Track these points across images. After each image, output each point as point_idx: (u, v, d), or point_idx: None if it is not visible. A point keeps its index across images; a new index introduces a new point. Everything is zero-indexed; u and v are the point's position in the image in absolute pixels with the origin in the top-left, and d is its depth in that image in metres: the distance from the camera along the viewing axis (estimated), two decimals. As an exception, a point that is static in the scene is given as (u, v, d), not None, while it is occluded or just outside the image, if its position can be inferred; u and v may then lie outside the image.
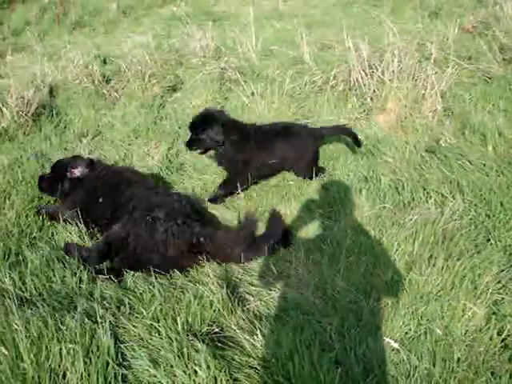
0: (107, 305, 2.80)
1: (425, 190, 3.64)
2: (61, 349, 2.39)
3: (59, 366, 2.37)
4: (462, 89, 5.15)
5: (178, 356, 2.40)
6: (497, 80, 5.19)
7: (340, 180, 3.98)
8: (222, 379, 2.29)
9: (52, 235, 3.60)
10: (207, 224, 3.35)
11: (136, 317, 2.71)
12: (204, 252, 3.16)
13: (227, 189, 3.94)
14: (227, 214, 3.84)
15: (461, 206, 3.37)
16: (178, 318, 2.63)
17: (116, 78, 6.43)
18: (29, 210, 3.80)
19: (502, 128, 4.22)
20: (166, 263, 3.11)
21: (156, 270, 3.05)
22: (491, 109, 4.66)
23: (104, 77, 6.40)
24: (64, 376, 2.35)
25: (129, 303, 2.82)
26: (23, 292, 2.95)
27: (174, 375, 2.33)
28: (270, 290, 2.94)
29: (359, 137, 4.31)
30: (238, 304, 2.80)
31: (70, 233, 3.51)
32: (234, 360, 2.43)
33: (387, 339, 2.52)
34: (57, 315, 2.61)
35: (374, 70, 5.04)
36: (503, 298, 2.67)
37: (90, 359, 2.37)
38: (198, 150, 4.02)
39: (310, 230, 3.51)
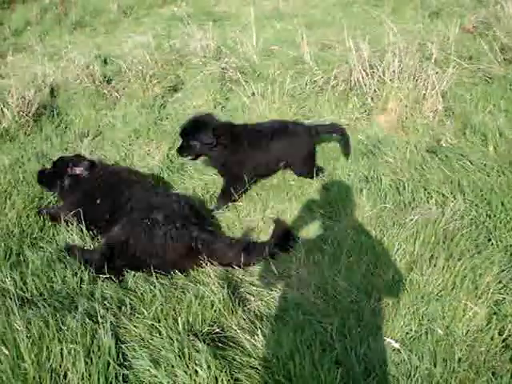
0: (108, 305, 2.81)
1: (426, 190, 3.64)
2: (62, 349, 2.40)
3: (60, 366, 2.38)
4: (463, 89, 5.15)
5: (179, 356, 2.40)
6: (497, 80, 5.18)
7: (341, 180, 3.98)
8: (222, 379, 2.29)
9: (53, 235, 3.60)
10: (206, 226, 3.34)
11: (137, 317, 2.71)
12: (203, 255, 3.14)
13: (226, 199, 3.88)
14: (228, 213, 3.85)
15: (462, 206, 3.37)
16: (179, 318, 2.63)
17: (117, 78, 6.44)
18: (30, 210, 3.80)
19: (502, 128, 4.22)
20: (166, 266, 3.11)
21: (157, 271, 3.06)
22: (492, 109, 4.66)
23: (105, 77, 6.41)
24: (65, 376, 2.35)
25: (130, 303, 2.82)
26: (24, 292, 2.96)
27: (175, 375, 2.34)
28: (271, 290, 2.94)
29: (351, 142, 4.28)
30: (239, 304, 2.80)
31: (72, 234, 3.50)
32: (234, 360, 2.43)
33: (388, 339, 2.52)
34: (58, 315, 2.62)
35: (375, 70, 5.04)
36: (504, 298, 2.67)
37: (91, 359, 2.38)
38: (189, 157, 3.97)
39: (311, 230, 3.51)
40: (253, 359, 2.43)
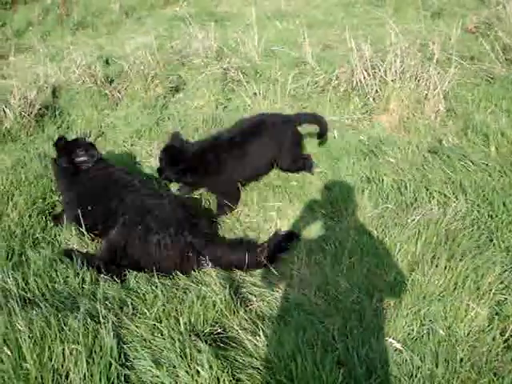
0: (110, 305, 2.81)
1: (427, 190, 3.64)
2: (64, 349, 2.41)
3: (62, 367, 2.38)
4: (465, 89, 5.14)
5: (181, 356, 2.40)
6: (499, 80, 5.17)
7: (342, 180, 3.98)
8: (224, 379, 2.29)
9: (55, 236, 3.61)
10: (200, 230, 3.28)
11: (139, 317, 2.71)
12: (198, 262, 3.13)
13: (225, 210, 3.81)
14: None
15: (463, 207, 3.37)
16: (181, 319, 2.64)
17: (119, 78, 6.43)
18: (32, 210, 3.80)
19: (504, 128, 4.21)
20: (164, 271, 3.10)
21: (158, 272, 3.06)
22: (494, 109, 4.65)
23: (107, 77, 6.41)
24: (67, 376, 2.36)
25: (131, 304, 2.83)
26: (26, 292, 2.97)
27: (177, 375, 2.34)
28: (273, 291, 2.95)
29: (328, 133, 4.30)
30: (241, 304, 2.81)
31: (71, 235, 3.51)
32: (236, 360, 2.44)
33: (390, 339, 2.52)
34: (60, 315, 2.62)
35: (377, 71, 5.03)
36: (506, 299, 2.67)
37: (93, 359, 2.38)
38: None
39: (313, 230, 3.51)
40: (254, 359, 2.43)
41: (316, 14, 9.04)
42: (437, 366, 2.36)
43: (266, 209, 3.81)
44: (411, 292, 2.75)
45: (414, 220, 3.19)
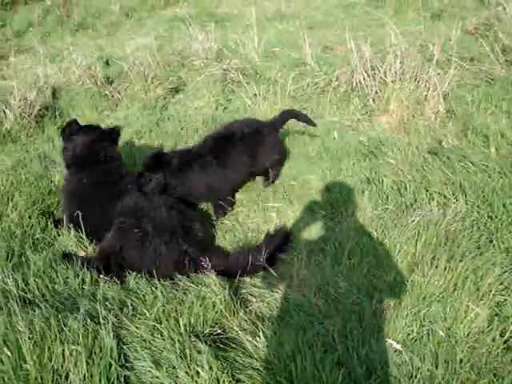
0: (110, 306, 2.81)
1: (427, 191, 3.64)
2: (63, 350, 2.41)
3: (62, 367, 2.38)
4: (465, 90, 5.14)
5: (181, 357, 2.40)
6: (499, 81, 5.17)
7: (342, 181, 3.98)
8: (224, 380, 2.29)
9: (55, 237, 3.61)
10: (195, 235, 3.26)
11: (138, 318, 2.71)
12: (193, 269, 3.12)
13: (222, 213, 3.81)
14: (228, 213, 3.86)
15: (463, 208, 3.37)
16: (181, 319, 2.64)
17: (119, 79, 6.45)
18: (32, 211, 3.80)
19: (504, 129, 4.21)
20: (161, 276, 3.08)
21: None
22: (494, 110, 4.65)
23: (107, 78, 6.43)
24: (67, 377, 2.36)
25: (131, 304, 2.83)
26: (26, 293, 2.96)
27: (177, 376, 2.34)
28: (272, 292, 2.95)
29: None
30: (241, 305, 2.81)
31: (70, 237, 3.51)
32: (236, 361, 2.43)
33: (390, 340, 2.51)
34: (60, 316, 2.62)
35: (377, 72, 5.04)
36: (506, 300, 2.67)
37: (93, 360, 2.38)
38: None
39: (313, 231, 3.51)
40: (254, 360, 2.43)
41: (316, 16, 9.05)
42: (436, 367, 2.35)
43: (265, 210, 3.82)
44: (411, 293, 2.75)
45: (413, 221, 3.19)
